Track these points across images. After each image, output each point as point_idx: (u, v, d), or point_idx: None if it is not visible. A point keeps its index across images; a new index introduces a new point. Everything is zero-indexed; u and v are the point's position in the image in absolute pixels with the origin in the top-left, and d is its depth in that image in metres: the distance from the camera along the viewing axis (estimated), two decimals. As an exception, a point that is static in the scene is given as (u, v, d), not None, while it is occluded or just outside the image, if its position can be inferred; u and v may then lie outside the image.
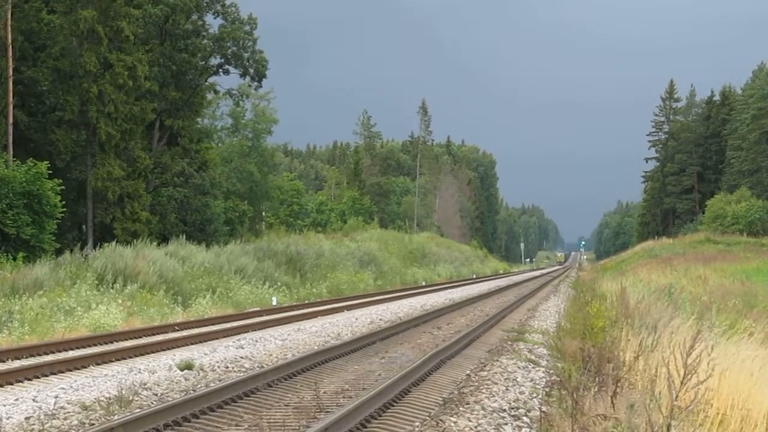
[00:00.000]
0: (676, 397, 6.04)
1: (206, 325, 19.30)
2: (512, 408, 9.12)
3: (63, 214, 28.14)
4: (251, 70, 45.68)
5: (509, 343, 15.70)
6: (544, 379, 11.32)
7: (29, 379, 10.99)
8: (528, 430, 8.17)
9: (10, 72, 30.76)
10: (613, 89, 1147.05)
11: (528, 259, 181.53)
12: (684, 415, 6.19)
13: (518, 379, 11.21)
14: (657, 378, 8.53)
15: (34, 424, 8.16)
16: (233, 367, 12.21)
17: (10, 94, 30.53)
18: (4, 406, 9.07)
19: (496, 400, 9.47)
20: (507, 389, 10.34)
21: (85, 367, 12.14)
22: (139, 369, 11.83)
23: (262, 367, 11.85)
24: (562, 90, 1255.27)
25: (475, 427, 8.05)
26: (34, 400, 9.44)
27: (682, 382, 6.07)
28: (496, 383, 10.72)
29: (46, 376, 11.32)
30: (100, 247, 26.10)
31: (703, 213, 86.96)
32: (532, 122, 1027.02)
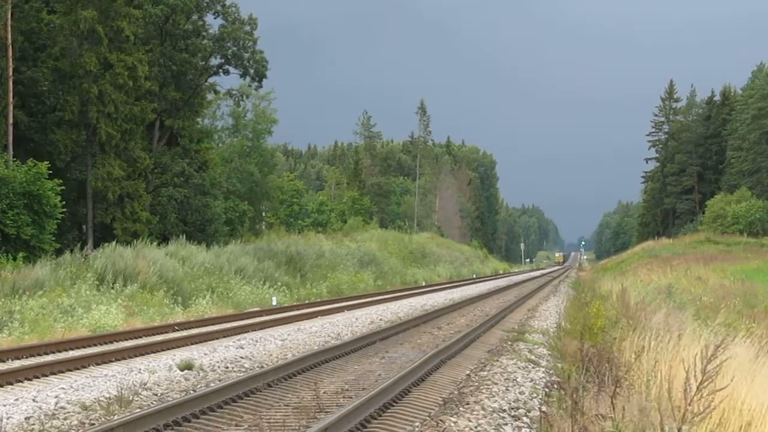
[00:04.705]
0: (690, 401, 5.99)
1: (206, 325, 19.30)
2: (512, 408, 9.11)
3: (63, 214, 28.11)
4: (251, 71, 45.66)
5: (509, 343, 15.68)
6: (544, 380, 11.31)
7: (29, 379, 10.98)
8: (528, 430, 8.16)
9: (10, 72, 30.75)
10: (614, 87, 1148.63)
11: (528, 260, 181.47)
12: (698, 420, 6.14)
13: (518, 380, 11.20)
14: (655, 379, 8.49)
15: (34, 424, 8.16)
16: (233, 367, 12.22)
17: (10, 94, 30.52)
18: (4, 406, 9.07)
19: (496, 400, 9.47)
20: (507, 389, 10.33)
21: (85, 367, 12.14)
22: (139, 369, 11.83)
23: (262, 367, 11.84)
24: (563, 87, 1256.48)
25: (475, 427, 8.04)
26: (34, 400, 9.44)
27: (697, 388, 6.01)
28: (496, 383, 10.71)
29: (46, 376, 11.32)
30: (100, 247, 26.10)
31: (703, 213, 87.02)
32: (531, 121, 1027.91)
